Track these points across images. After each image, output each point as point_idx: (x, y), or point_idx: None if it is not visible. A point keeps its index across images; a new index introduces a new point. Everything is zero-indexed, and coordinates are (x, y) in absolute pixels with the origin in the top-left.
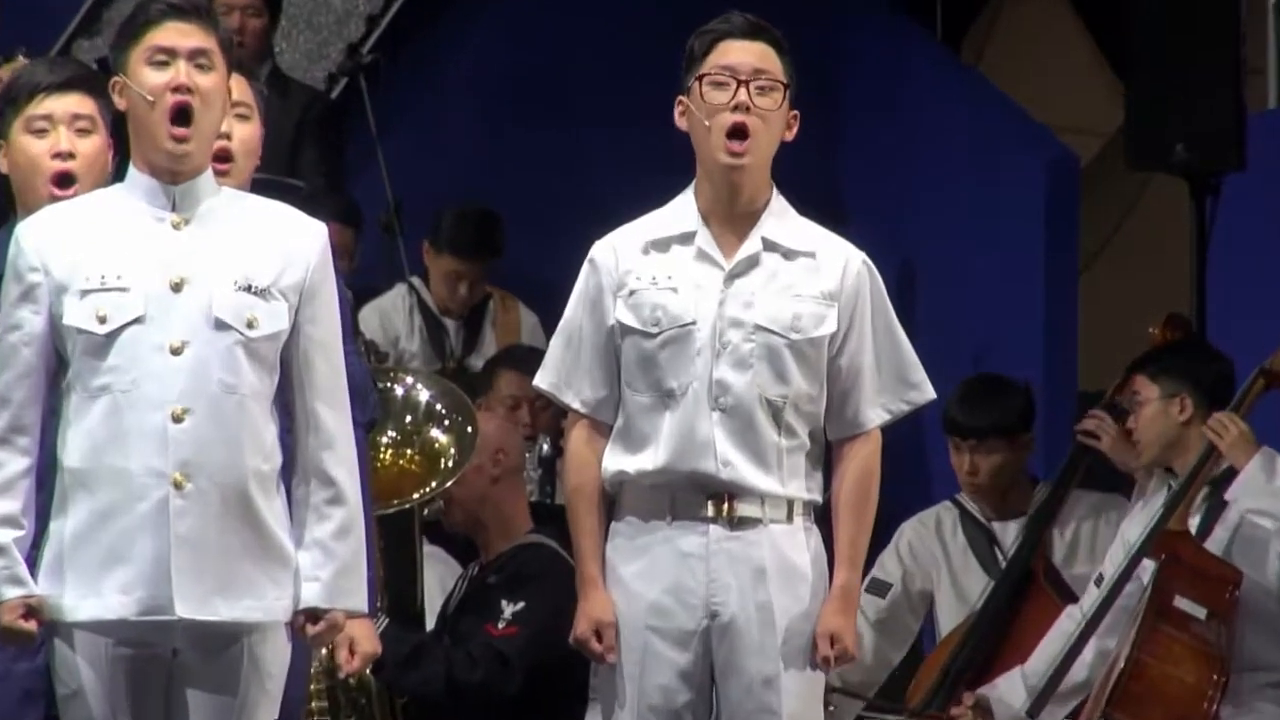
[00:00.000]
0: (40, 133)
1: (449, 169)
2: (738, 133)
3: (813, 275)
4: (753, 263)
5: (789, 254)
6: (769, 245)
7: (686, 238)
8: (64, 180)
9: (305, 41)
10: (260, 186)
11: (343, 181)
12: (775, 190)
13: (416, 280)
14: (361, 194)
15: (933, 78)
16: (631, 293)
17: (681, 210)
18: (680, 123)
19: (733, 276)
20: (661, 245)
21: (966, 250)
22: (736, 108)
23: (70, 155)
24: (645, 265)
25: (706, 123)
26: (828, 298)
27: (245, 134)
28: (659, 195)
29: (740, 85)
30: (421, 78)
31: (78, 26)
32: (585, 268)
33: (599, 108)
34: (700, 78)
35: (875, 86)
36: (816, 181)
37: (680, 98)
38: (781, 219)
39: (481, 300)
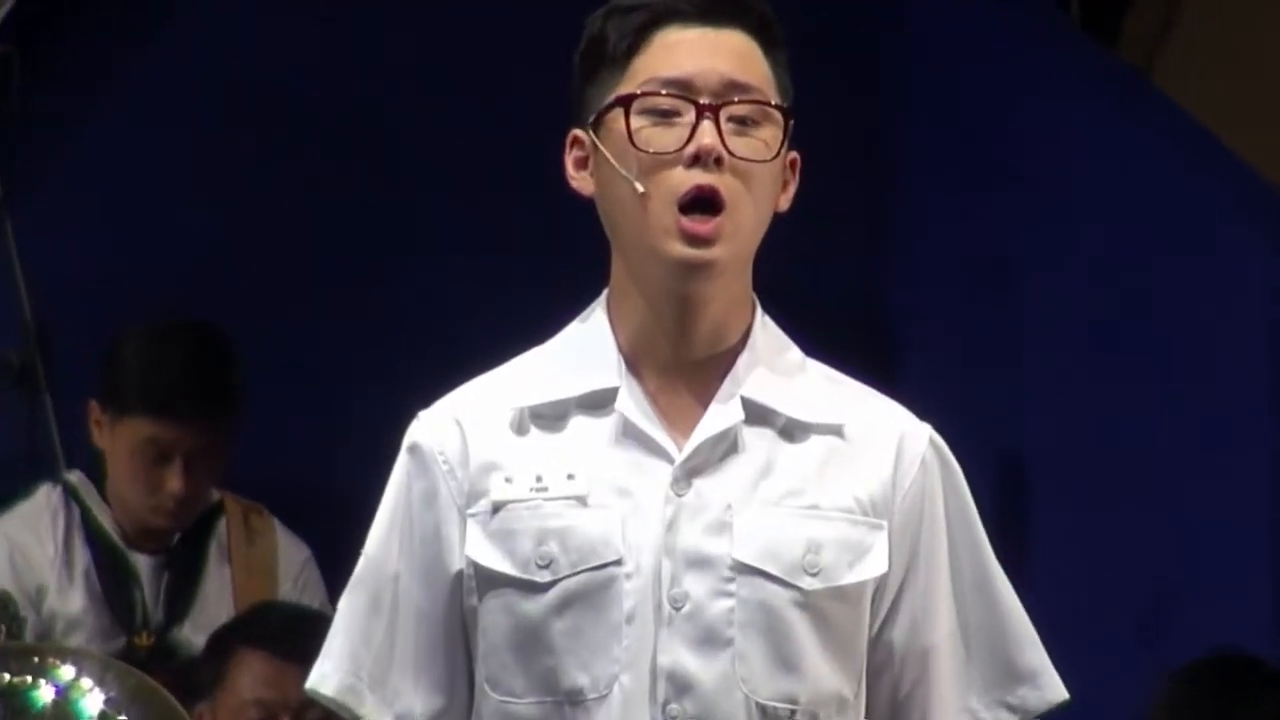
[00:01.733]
0: None
1: (141, 260)
2: (702, 203)
3: (841, 469)
4: (726, 447)
5: (794, 429)
6: (756, 413)
7: (598, 401)
8: None
9: None
10: None
11: None
12: (760, 309)
13: (77, 477)
14: None
15: (1067, 90)
16: (496, 509)
17: (586, 349)
18: (578, 182)
19: (691, 474)
20: (550, 417)
21: (1129, 417)
22: (698, 158)
23: None
24: (520, 455)
25: (639, 185)
26: (869, 511)
27: None
28: (534, 321)
29: (703, 114)
30: (92, 90)
31: None
32: (402, 463)
33: (422, 153)
34: (625, 101)
35: (961, 101)
36: (847, 288)
37: (576, 133)
38: (774, 362)
39: (205, 514)
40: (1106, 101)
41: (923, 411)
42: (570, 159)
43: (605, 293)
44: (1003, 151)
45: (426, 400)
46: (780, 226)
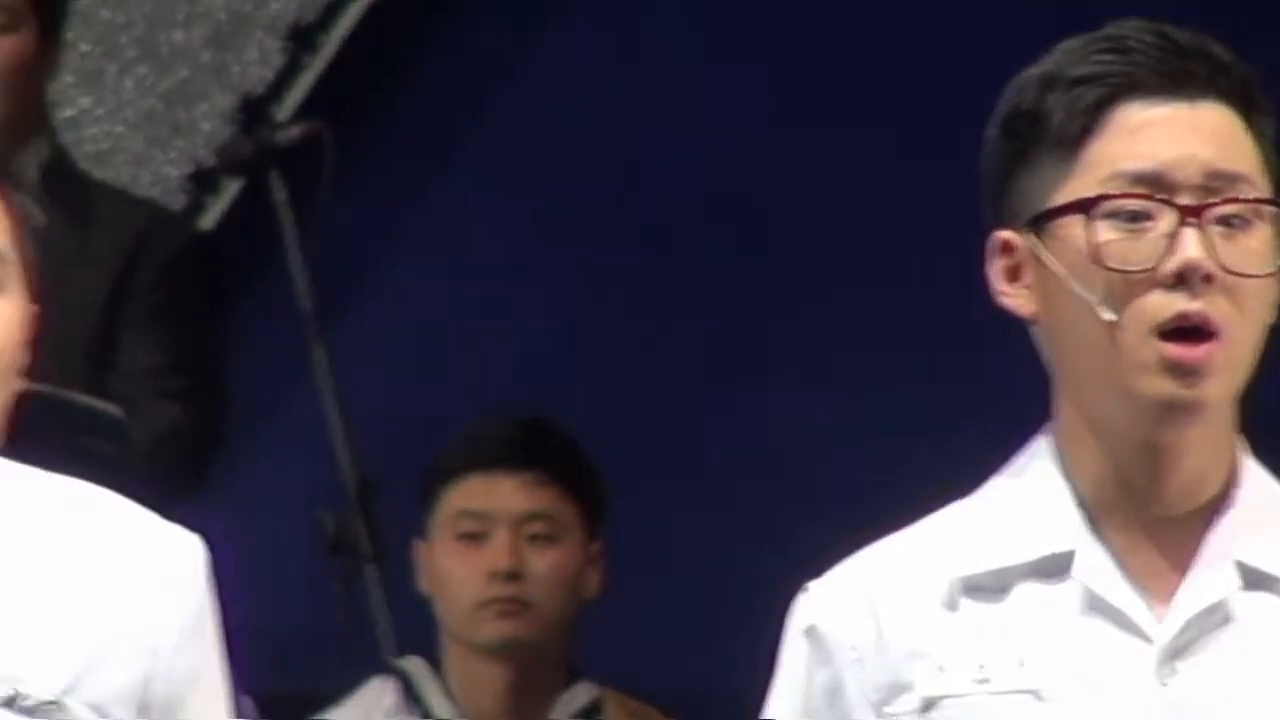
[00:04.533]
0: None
1: (472, 380)
2: (1187, 332)
3: None
4: (1216, 622)
5: None
6: (1254, 581)
7: (1051, 568)
8: None
9: (140, 94)
10: (37, 415)
11: (224, 414)
12: (1242, 445)
13: (415, 665)
14: (278, 445)
15: None
16: (927, 706)
17: (1033, 505)
18: (1012, 300)
19: (1173, 657)
20: (989, 589)
21: None
22: (1182, 277)
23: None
24: (954, 638)
25: (1107, 313)
26: None
27: None
28: (954, 465)
29: (1184, 219)
30: (416, 173)
31: None
32: (797, 647)
33: (807, 247)
34: (1086, 206)
35: None
36: None
37: (1005, 237)
38: (1273, 518)
39: (581, 713)
40: None
41: None
42: (998, 269)
43: (1045, 436)
44: None
45: (815, 563)
46: None
